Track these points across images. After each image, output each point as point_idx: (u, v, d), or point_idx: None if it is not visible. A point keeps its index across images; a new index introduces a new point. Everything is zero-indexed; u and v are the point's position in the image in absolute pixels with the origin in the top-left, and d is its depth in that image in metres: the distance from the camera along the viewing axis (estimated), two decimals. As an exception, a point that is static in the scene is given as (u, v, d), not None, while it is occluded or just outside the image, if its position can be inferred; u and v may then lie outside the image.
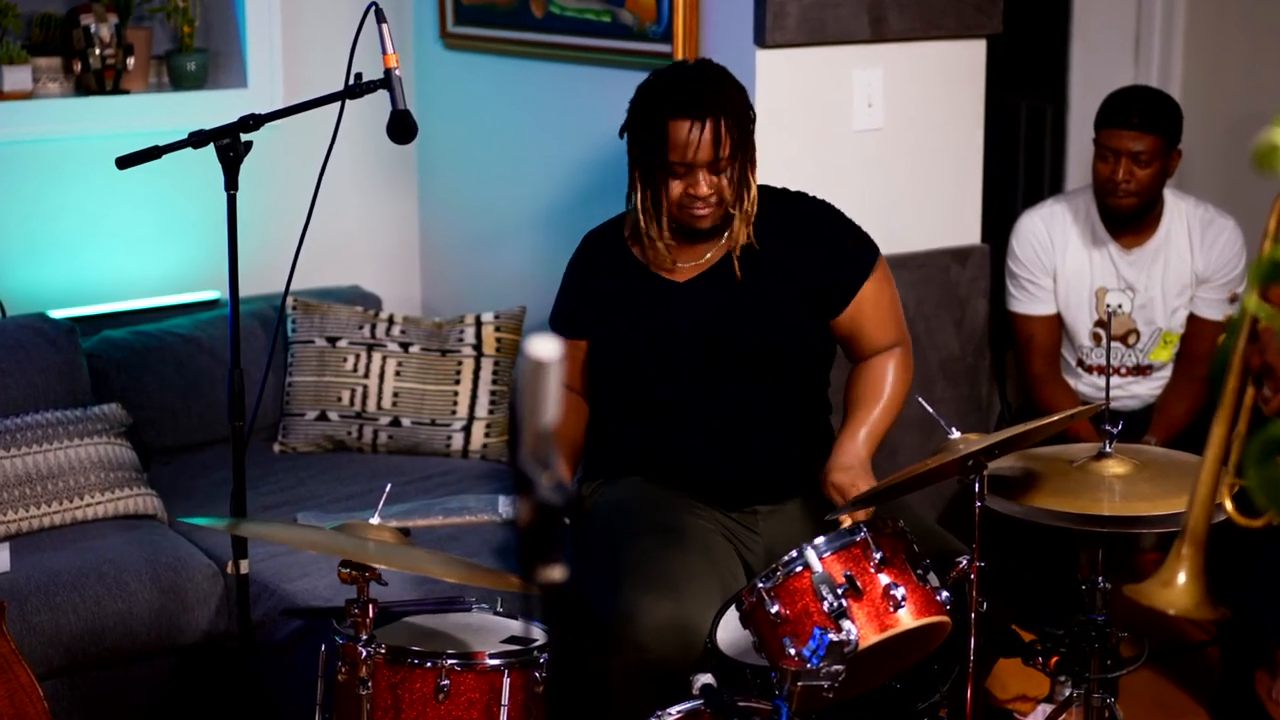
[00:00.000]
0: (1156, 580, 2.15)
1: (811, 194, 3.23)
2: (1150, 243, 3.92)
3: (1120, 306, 3.93)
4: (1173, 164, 3.86)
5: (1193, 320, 3.96)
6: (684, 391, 3.13)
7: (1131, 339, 3.96)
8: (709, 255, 3.14)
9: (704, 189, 3.03)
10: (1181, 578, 2.13)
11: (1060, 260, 3.96)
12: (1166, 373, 4.01)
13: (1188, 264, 3.92)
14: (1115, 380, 3.96)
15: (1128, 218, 3.88)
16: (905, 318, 3.72)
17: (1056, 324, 4.00)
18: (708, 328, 3.11)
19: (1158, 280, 3.93)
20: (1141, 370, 4.00)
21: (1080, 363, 4.02)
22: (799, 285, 3.13)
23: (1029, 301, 4.00)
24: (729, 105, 3.03)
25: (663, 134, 3.01)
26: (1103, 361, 3.95)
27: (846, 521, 2.77)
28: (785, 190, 3.22)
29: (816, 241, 3.16)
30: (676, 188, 3.04)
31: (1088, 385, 4.02)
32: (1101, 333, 3.94)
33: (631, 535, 3.04)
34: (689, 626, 2.84)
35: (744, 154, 3.06)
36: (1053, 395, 3.97)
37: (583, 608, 3.07)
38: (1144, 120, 3.78)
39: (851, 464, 3.05)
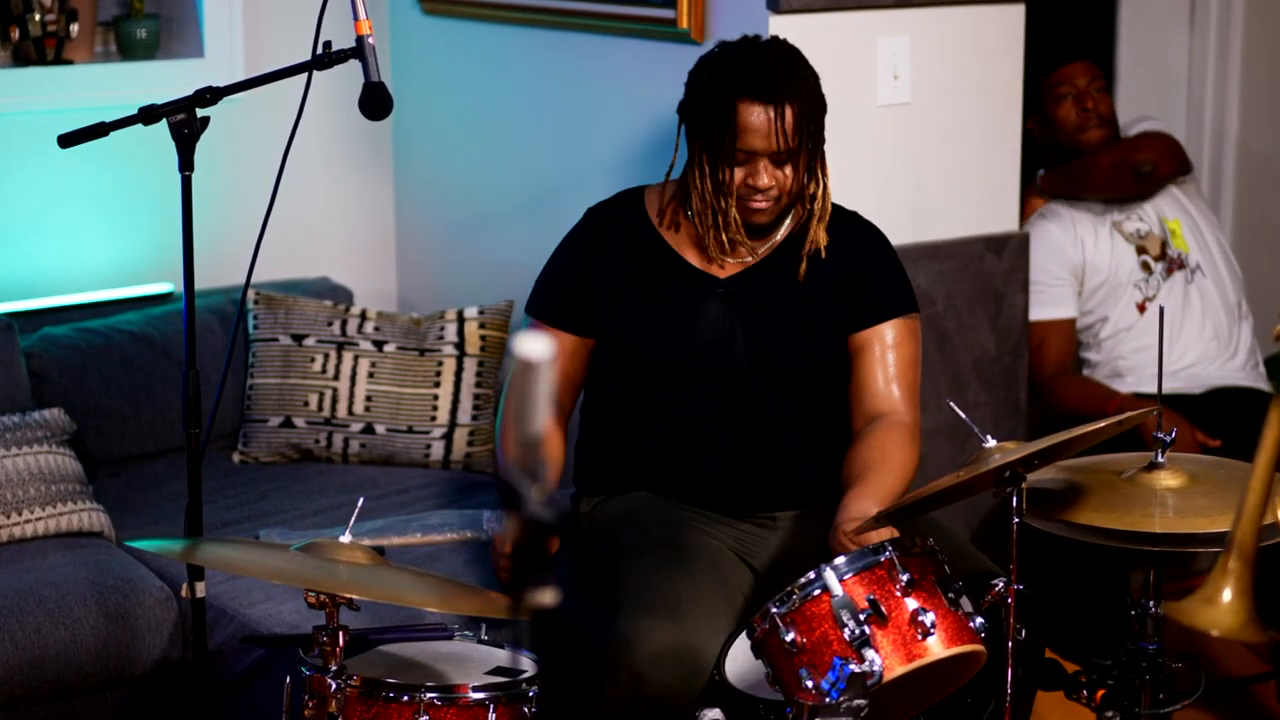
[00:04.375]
0: (1199, 598, 2.13)
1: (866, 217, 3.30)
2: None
3: (1141, 224, 4.27)
4: None
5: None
6: (712, 395, 3.14)
7: (1161, 249, 4.25)
8: (758, 250, 3.18)
9: (764, 180, 3.07)
10: (1227, 595, 2.12)
11: (1078, 248, 4.21)
12: (1221, 272, 4.29)
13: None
14: (1178, 290, 4.21)
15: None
16: (935, 312, 3.72)
17: (1070, 330, 4.22)
18: (754, 330, 3.14)
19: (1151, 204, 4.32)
20: (1181, 265, 4.25)
21: (1140, 306, 4.20)
22: (844, 295, 3.18)
23: (1042, 305, 4.17)
24: (803, 90, 3.09)
25: (731, 115, 3.04)
26: (1154, 292, 4.22)
27: (879, 536, 2.76)
28: (840, 206, 3.27)
29: (864, 258, 3.21)
30: (736, 175, 3.08)
31: (1149, 322, 4.17)
32: (1149, 260, 4.22)
33: (631, 553, 3.04)
34: (693, 654, 2.84)
35: (814, 147, 3.11)
36: (1066, 387, 4.16)
37: (576, 634, 3.08)
38: (1078, 54, 4.33)
39: (859, 516, 2.92)
